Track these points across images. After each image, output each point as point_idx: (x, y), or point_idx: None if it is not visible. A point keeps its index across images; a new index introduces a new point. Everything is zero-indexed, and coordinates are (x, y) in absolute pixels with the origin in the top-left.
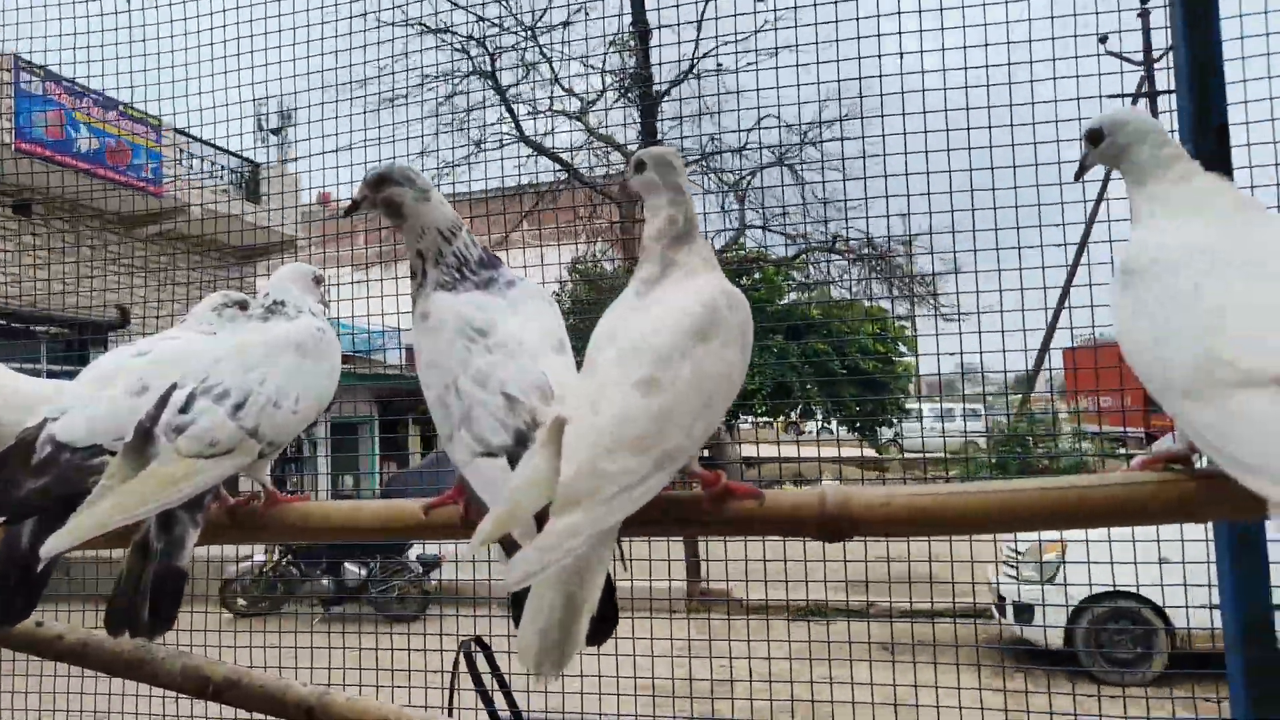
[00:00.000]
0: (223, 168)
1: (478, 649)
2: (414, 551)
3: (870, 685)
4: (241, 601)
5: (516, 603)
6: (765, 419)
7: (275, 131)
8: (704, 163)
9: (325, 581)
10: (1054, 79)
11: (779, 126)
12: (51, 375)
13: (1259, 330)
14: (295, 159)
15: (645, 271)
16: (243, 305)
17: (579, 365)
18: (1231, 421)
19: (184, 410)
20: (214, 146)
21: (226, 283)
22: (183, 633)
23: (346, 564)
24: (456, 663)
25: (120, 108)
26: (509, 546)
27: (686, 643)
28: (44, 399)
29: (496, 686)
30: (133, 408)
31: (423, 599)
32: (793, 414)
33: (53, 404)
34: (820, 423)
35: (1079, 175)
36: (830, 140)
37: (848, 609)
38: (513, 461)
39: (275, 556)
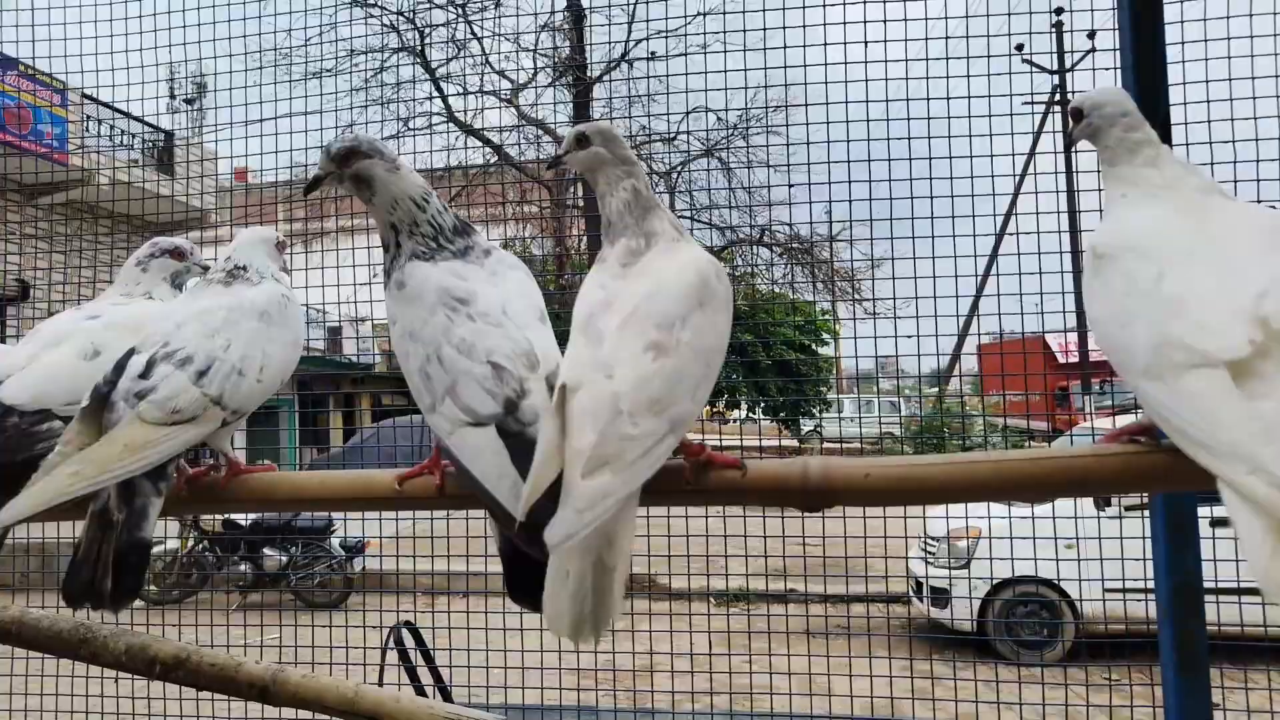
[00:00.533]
0: (133, 136)
1: (408, 632)
2: (336, 538)
3: (788, 673)
4: (153, 589)
5: (514, 579)
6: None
7: (189, 101)
8: (634, 151)
9: (243, 567)
10: (968, 77)
11: (709, 116)
12: None
13: (1212, 316)
14: (216, 128)
15: (627, 244)
16: (204, 269)
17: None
18: (1181, 400)
19: (144, 375)
20: (125, 114)
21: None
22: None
23: (266, 550)
24: (385, 645)
25: (20, 68)
26: (503, 520)
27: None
28: None
29: (425, 669)
30: (84, 372)
31: (345, 586)
32: (719, 403)
33: None
34: (745, 412)
35: (1068, 146)
36: (759, 133)
37: (767, 595)
38: (501, 430)
39: (190, 543)
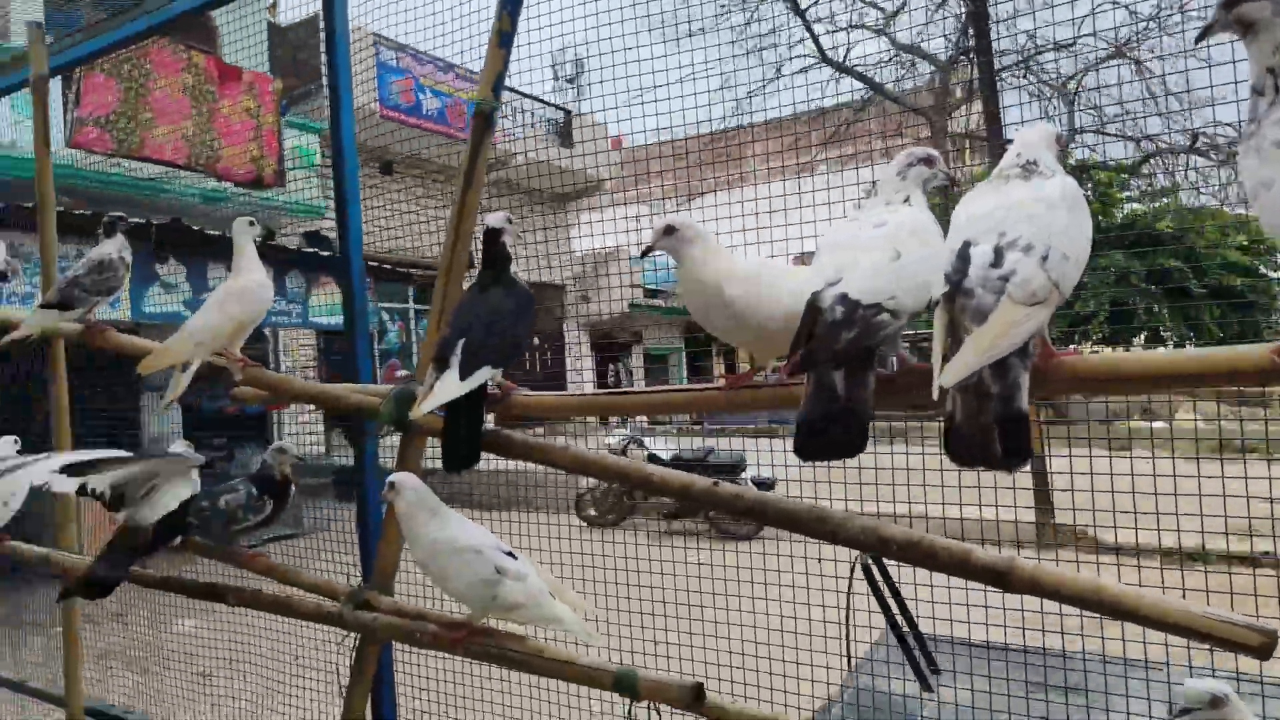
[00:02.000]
0: (537, 116)
1: (874, 565)
2: (749, 473)
3: None
4: (592, 512)
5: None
6: (1102, 345)
7: (570, 80)
8: (1025, 65)
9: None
10: None
11: (1116, 13)
12: (418, 314)
13: None
14: (601, 100)
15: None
16: (949, 178)
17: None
18: None
19: (994, 264)
20: (533, 99)
21: (553, 227)
22: (536, 538)
23: None
24: (852, 574)
25: (455, 70)
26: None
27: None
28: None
29: (893, 602)
30: (892, 271)
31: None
32: (1137, 339)
33: (819, 276)
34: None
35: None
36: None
37: (1229, 555)
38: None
39: None
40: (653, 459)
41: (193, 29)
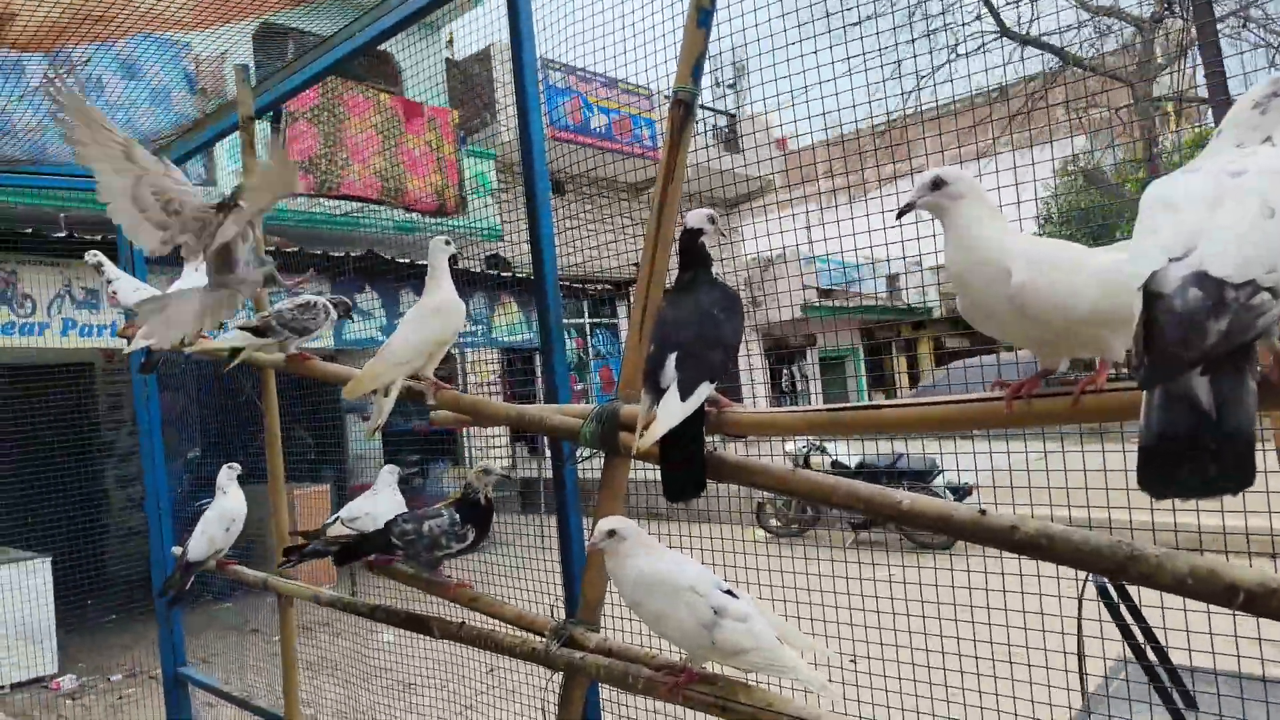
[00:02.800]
0: (702, 123)
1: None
2: (941, 479)
3: None
4: (775, 522)
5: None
6: None
7: (731, 85)
8: (1239, 15)
9: None
10: None
11: None
12: (593, 328)
13: None
14: (764, 102)
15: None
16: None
17: None
18: None
19: None
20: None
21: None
22: (715, 552)
23: None
24: (1082, 593)
25: (619, 84)
26: None
27: None
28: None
29: (1135, 625)
30: (1273, 232)
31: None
32: None
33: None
34: None
35: None
36: None
37: None
38: None
39: None
40: (836, 466)
41: (379, 73)
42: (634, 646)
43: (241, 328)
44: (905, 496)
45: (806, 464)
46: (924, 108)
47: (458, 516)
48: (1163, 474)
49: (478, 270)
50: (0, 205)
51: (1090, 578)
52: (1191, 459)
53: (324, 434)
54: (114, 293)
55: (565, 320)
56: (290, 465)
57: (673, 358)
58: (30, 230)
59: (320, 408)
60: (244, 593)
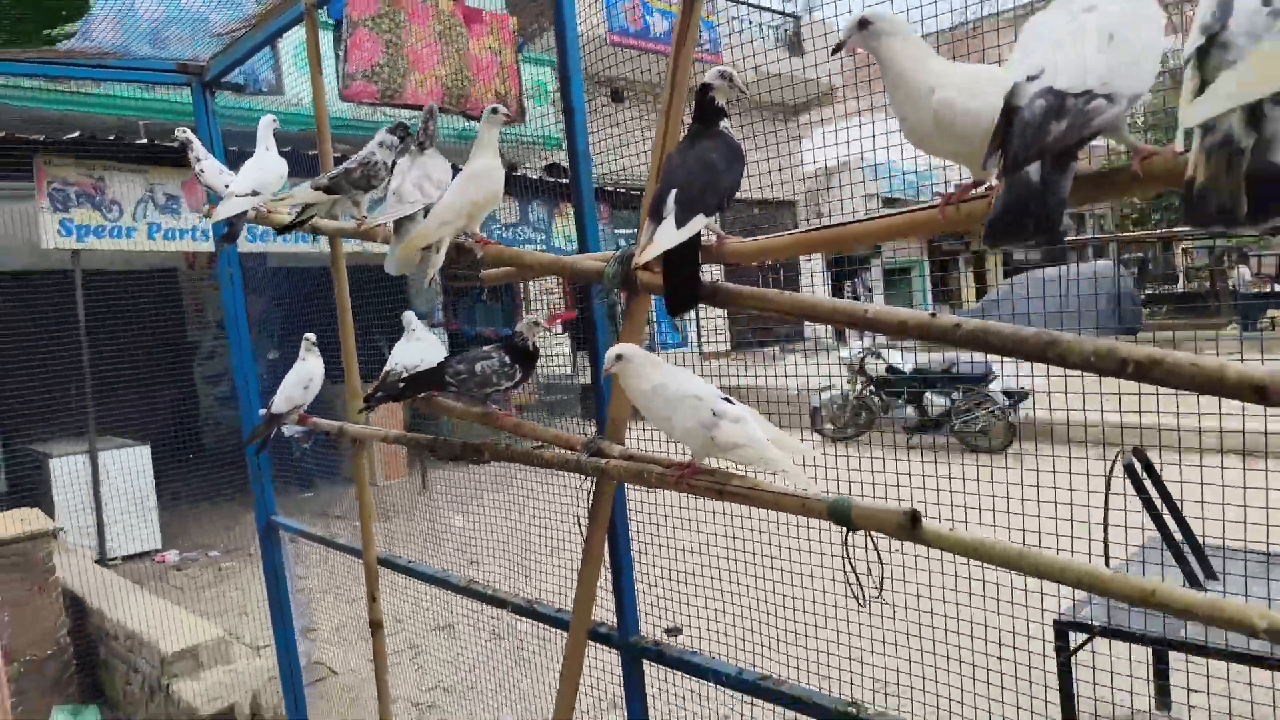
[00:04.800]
0: (762, 25)
1: (1137, 462)
2: (996, 384)
3: None
4: (830, 426)
5: None
6: None
7: None
8: None
9: (909, 410)
10: None
11: None
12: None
13: None
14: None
15: None
16: None
17: None
18: None
19: (1267, 1)
20: (755, 6)
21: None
22: None
23: (929, 394)
24: (1110, 471)
25: None
26: None
27: None
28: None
29: (1161, 502)
30: (1110, 51)
31: (1008, 433)
32: None
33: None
34: None
35: None
36: None
37: None
38: None
39: (857, 386)
40: (891, 371)
41: None
42: (649, 453)
43: (313, 186)
44: (869, 307)
45: (862, 369)
46: (1001, 10)
47: (507, 358)
48: (1000, 232)
49: (535, 178)
50: (87, 115)
51: (1119, 456)
52: (1021, 221)
53: (395, 336)
54: (201, 170)
55: (625, 231)
56: (364, 366)
57: (673, 194)
58: (113, 137)
59: (392, 314)
60: (326, 482)
